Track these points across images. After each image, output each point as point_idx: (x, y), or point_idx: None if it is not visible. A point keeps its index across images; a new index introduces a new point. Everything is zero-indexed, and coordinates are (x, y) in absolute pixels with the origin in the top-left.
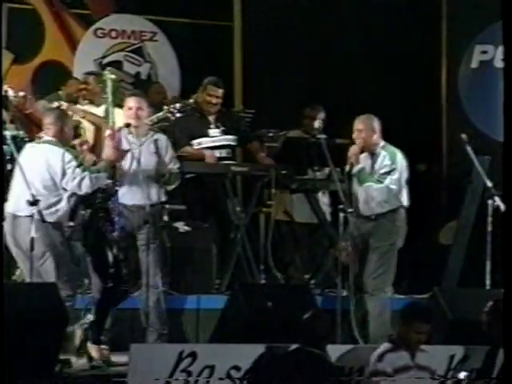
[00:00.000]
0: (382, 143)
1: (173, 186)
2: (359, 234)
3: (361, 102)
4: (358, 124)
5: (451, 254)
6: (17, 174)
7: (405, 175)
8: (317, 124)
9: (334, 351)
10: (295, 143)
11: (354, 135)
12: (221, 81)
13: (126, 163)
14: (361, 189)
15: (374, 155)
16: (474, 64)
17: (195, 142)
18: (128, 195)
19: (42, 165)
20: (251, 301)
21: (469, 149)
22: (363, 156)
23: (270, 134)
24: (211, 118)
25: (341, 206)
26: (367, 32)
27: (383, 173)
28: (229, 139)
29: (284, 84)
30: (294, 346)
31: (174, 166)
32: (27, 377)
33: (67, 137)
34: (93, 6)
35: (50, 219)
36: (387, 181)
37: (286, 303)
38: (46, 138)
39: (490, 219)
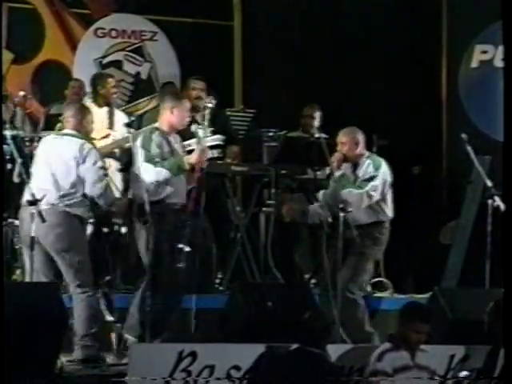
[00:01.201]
0: (367, 154)
1: None
2: (343, 239)
3: (361, 102)
4: (342, 137)
5: (451, 254)
6: (37, 166)
7: (388, 185)
8: (316, 123)
9: (334, 351)
10: (295, 143)
11: (338, 148)
12: (201, 76)
13: None
14: (341, 194)
15: (357, 164)
16: (474, 64)
17: (185, 143)
18: (175, 194)
19: (62, 156)
20: (251, 301)
21: (469, 149)
22: (346, 163)
23: (270, 134)
24: (199, 118)
25: (341, 206)
26: (367, 32)
27: (364, 179)
28: (217, 139)
29: (284, 84)
30: (294, 346)
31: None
32: (27, 377)
33: (87, 129)
34: (93, 5)
35: (73, 211)
36: (368, 187)
37: (285, 303)
38: (66, 130)
39: (490, 219)
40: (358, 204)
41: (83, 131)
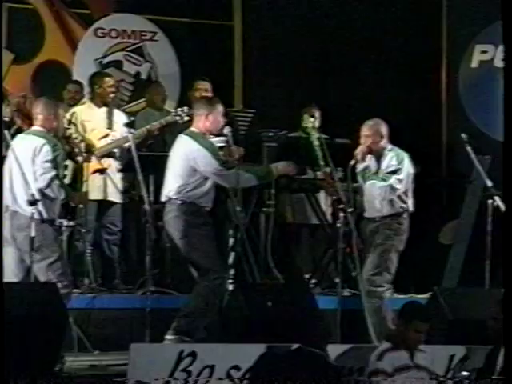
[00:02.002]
0: (390, 146)
1: None
2: (363, 233)
3: (361, 102)
4: (365, 130)
5: (451, 254)
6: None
7: (411, 179)
8: (316, 123)
9: (334, 351)
10: (295, 143)
11: (361, 141)
12: (205, 77)
13: None
14: (364, 186)
15: (380, 156)
16: (474, 64)
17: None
18: (209, 196)
19: (27, 156)
20: (251, 301)
21: (469, 149)
22: (369, 156)
23: (270, 134)
24: None
25: (341, 206)
26: (367, 32)
27: (389, 172)
28: (219, 141)
29: (284, 84)
30: (294, 346)
31: None
32: (27, 376)
33: (56, 126)
34: (93, 5)
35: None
36: (392, 180)
37: (286, 303)
38: (34, 128)
39: (489, 219)
40: (381, 197)
41: (52, 127)
